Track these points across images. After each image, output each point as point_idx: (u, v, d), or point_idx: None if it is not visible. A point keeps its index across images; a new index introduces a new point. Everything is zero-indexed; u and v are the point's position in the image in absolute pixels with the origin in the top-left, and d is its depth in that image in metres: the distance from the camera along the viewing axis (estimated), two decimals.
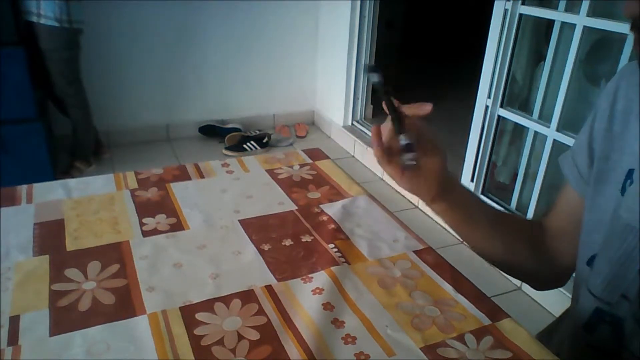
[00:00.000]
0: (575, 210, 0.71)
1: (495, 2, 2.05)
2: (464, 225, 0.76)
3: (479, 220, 0.76)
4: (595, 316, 0.66)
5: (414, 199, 2.53)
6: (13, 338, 0.62)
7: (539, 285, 0.84)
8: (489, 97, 2.15)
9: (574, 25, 1.75)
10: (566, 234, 0.73)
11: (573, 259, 0.71)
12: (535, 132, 2.05)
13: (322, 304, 0.70)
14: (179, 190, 0.99)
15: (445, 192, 0.70)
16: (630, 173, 0.61)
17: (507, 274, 0.86)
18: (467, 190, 0.77)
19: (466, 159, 2.35)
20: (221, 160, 1.12)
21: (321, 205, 0.96)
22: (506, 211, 0.81)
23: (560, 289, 1.73)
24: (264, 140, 3.10)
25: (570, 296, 0.75)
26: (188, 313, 0.67)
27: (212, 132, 3.18)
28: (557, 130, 1.87)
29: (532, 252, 0.77)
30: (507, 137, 2.28)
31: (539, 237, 0.77)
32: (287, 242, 0.84)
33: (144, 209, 0.92)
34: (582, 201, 0.69)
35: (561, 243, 0.75)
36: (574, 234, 0.70)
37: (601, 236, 0.65)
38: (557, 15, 1.87)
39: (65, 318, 0.66)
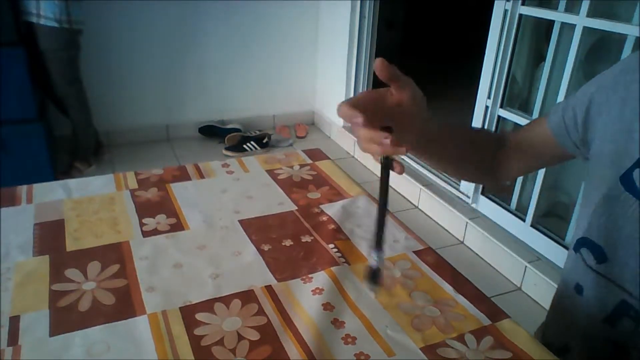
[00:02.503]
0: (538, 141, 0.75)
1: (495, 3, 2.05)
2: (438, 162, 0.76)
3: (454, 152, 0.76)
4: (620, 308, 0.65)
5: (414, 199, 2.52)
6: (13, 338, 0.62)
7: (476, 182, 0.89)
8: (489, 97, 2.15)
9: (574, 25, 1.75)
10: (521, 152, 0.77)
11: (516, 174, 0.84)
12: None
13: (322, 304, 0.70)
14: (179, 190, 0.99)
15: (422, 141, 0.67)
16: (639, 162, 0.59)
17: (455, 178, 0.91)
18: (443, 125, 0.72)
19: None
20: (221, 161, 1.12)
21: (321, 206, 0.96)
22: (475, 129, 0.86)
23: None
24: (264, 141, 3.10)
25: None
26: (188, 313, 0.68)
27: (212, 132, 3.18)
28: None
29: (492, 164, 0.80)
30: None
31: (500, 150, 0.80)
32: (287, 243, 0.84)
33: (144, 209, 0.92)
34: (554, 141, 0.72)
35: (513, 158, 0.78)
36: (526, 155, 0.78)
37: (598, 220, 0.65)
38: (557, 16, 1.87)
39: (65, 318, 0.66)
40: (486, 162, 0.79)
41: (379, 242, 0.57)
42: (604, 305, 0.67)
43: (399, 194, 2.62)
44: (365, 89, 3.19)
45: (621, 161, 0.61)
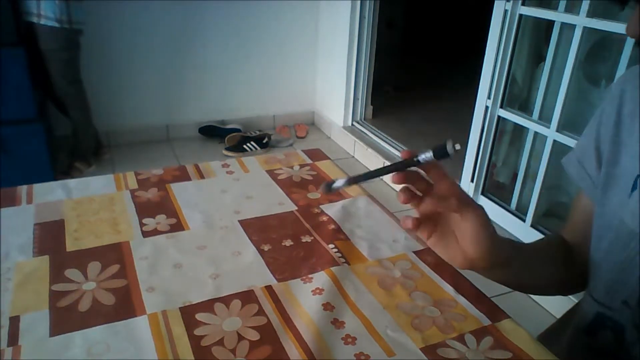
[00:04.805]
0: (591, 217, 0.68)
1: (495, 3, 2.05)
2: (505, 279, 0.69)
3: (519, 268, 0.68)
4: (597, 321, 0.66)
5: None
6: (13, 338, 0.62)
7: (567, 292, 0.81)
8: (489, 97, 2.16)
9: (574, 25, 1.75)
10: (585, 242, 0.69)
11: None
12: (535, 133, 2.05)
13: (322, 305, 0.70)
14: (179, 190, 0.99)
15: (487, 254, 0.57)
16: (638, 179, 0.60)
17: (539, 295, 0.82)
18: (505, 241, 0.64)
19: (466, 159, 2.35)
20: (221, 161, 1.12)
21: (321, 206, 0.96)
22: (535, 241, 0.76)
23: None
24: (264, 141, 3.10)
25: (570, 297, 0.74)
26: (188, 313, 0.67)
27: (212, 132, 3.18)
28: (557, 130, 1.87)
29: (561, 269, 0.73)
30: (507, 137, 2.28)
31: (563, 251, 0.74)
32: (287, 243, 0.84)
33: (144, 210, 0.92)
34: (591, 202, 0.68)
35: (582, 251, 0.71)
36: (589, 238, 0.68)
37: (607, 242, 0.64)
38: (557, 16, 1.87)
39: (66, 318, 0.66)
40: (569, 271, 0.72)
41: (356, 179, 0.57)
42: (584, 317, 0.67)
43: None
44: (365, 89, 3.19)
45: (627, 181, 0.61)
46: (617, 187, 0.63)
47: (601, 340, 0.66)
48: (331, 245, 0.83)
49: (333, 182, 0.58)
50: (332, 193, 0.59)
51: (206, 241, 0.84)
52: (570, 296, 1.30)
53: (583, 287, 0.73)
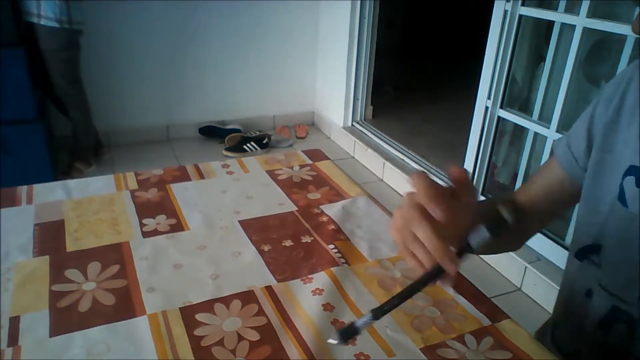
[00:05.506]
0: (554, 183, 0.72)
1: (495, 3, 2.05)
2: None
3: None
4: (612, 314, 0.65)
5: None
6: (13, 339, 0.62)
7: (495, 252, 0.83)
8: (489, 98, 2.15)
9: (574, 26, 1.75)
10: (538, 204, 0.73)
11: (536, 229, 0.78)
12: (535, 133, 2.05)
13: (322, 305, 0.70)
14: (179, 191, 0.99)
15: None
16: (630, 170, 0.60)
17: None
18: None
19: (466, 159, 2.35)
20: (221, 161, 1.12)
21: (321, 206, 0.96)
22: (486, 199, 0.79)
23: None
24: (264, 141, 3.10)
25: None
26: (188, 314, 0.68)
27: (212, 132, 3.18)
28: (557, 131, 1.87)
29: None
30: (507, 137, 2.28)
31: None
32: (287, 243, 0.84)
33: (144, 210, 0.92)
34: (568, 178, 0.70)
35: (533, 211, 0.73)
36: (546, 206, 0.73)
37: (596, 228, 0.65)
38: (557, 17, 1.87)
39: (66, 319, 0.66)
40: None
41: (382, 312, 0.54)
42: (599, 311, 0.67)
43: (399, 194, 2.62)
44: (365, 89, 3.19)
45: (619, 170, 0.62)
46: (609, 173, 0.64)
47: (614, 333, 0.66)
48: (331, 246, 0.84)
49: (354, 328, 0.53)
50: (347, 340, 0.55)
51: (206, 241, 0.84)
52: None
53: (517, 247, 0.79)
